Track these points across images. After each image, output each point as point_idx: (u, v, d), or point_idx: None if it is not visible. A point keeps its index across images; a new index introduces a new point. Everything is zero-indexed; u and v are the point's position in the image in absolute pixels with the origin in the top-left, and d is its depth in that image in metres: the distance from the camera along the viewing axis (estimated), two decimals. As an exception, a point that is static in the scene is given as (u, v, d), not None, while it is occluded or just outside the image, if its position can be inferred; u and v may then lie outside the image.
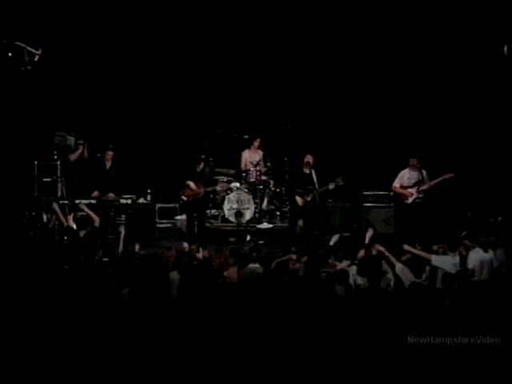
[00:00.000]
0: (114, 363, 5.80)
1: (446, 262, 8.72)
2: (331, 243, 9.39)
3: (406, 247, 9.03)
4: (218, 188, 12.28)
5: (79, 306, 6.50)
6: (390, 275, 8.15)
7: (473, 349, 5.91)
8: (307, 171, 11.54)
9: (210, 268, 8.11)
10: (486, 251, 8.78)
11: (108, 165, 12.10)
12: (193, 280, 7.37)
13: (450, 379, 5.75)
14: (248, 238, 12.19)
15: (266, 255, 8.95)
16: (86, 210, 10.56)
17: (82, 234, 9.78)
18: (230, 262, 8.63)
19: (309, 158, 11.50)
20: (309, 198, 11.42)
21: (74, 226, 10.09)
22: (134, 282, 7.28)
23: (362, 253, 8.80)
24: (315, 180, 11.51)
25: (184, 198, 11.74)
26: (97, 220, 10.17)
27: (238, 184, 12.59)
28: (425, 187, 11.54)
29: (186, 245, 9.77)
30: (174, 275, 7.87)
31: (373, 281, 7.56)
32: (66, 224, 10.13)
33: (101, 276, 7.61)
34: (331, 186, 11.36)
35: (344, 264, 8.51)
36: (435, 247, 9.17)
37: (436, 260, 8.77)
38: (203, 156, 11.77)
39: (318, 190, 11.45)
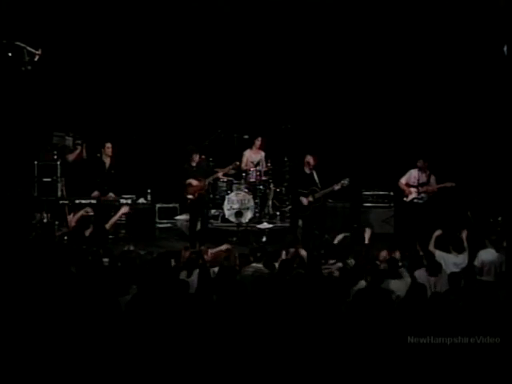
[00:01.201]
0: (119, 363, 5.81)
1: (447, 260, 8.74)
2: (335, 241, 9.42)
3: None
4: (220, 174, 12.20)
5: (87, 306, 6.49)
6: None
7: (473, 349, 5.91)
8: (308, 171, 11.53)
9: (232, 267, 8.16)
10: (498, 251, 8.79)
11: (107, 163, 12.07)
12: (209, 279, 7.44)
13: (450, 379, 5.75)
14: (264, 239, 12.21)
15: (267, 255, 8.96)
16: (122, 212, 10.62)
17: (87, 233, 9.80)
18: (236, 262, 8.65)
19: (309, 159, 11.49)
20: (312, 199, 11.41)
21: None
22: (141, 281, 7.30)
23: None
24: (317, 180, 11.49)
25: (190, 197, 11.73)
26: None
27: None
28: (424, 190, 11.64)
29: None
30: (183, 275, 7.92)
31: (373, 281, 7.55)
32: (72, 225, 10.14)
33: (101, 276, 7.62)
34: (336, 187, 11.33)
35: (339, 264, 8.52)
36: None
37: (439, 256, 8.80)
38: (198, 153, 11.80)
39: (323, 191, 11.42)
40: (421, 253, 9.03)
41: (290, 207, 12.33)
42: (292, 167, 12.71)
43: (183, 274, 7.96)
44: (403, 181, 11.91)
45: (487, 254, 8.84)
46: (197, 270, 8.00)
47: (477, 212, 11.74)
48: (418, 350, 5.90)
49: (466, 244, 9.02)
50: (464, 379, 5.74)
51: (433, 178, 11.74)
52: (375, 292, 7.14)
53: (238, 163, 12.28)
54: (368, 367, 5.78)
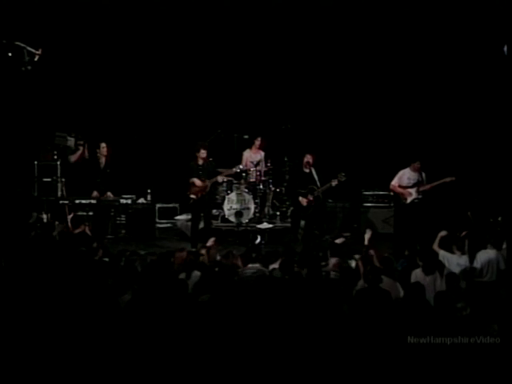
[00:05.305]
0: (114, 364, 5.80)
1: (451, 260, 8.71)
2: (337, 241, 9.40)
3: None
4: (220, 179, 12.12)
5: (78, 305, 6.49)
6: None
7: (473, 349, 5.91)
8: (307, 170, 11.59)
9: (229, 267, 8.12)
10: (499, 250, 8.78)
11: (103, 163, 12.08)
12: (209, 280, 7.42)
13: (450, 379, 5.75)
14: (258, 240, 12.19)
15: (266, 255, 8.95)
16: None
17: (76, 232, 9.78)
18: (237, 263, 8.62)
19: (308, 158, 11.56)
20: (312, 198, 11.47)
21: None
22: (139, 283, 7.29)
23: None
24: (316, 178, 11.56)
25: (193, 197, 11.69)
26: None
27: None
28: (424, 188, 11.59)
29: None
30: (182, 277, 7.90)
31: (372, 282, 7.54)
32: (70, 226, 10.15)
33: (100, 276, 7.62)
34: (334, 183, 11.44)
35: (334, 260, 8.49)
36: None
37: (443, 256, 8.76)
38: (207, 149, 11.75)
39: (321, 189, 11.50)
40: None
41: (291, 208, 12.31)
42: (291, 167, 12.72)
43: (182, 276, 7.94)
44: (396, 183, 11.69)
45: (486, 255, 8.81)
46: (195, 272, 7.97)
47: (477, 212, 11.73)
48: (418, 350, 5.90)
49: (466, 245, 8.98)
50: (464, 379, 5.74)
51: (424, 176, 11.66)
52: (375, 292, 7.14)
53: (237, 170, 12.18)
54: (368, 367, 5.78)
